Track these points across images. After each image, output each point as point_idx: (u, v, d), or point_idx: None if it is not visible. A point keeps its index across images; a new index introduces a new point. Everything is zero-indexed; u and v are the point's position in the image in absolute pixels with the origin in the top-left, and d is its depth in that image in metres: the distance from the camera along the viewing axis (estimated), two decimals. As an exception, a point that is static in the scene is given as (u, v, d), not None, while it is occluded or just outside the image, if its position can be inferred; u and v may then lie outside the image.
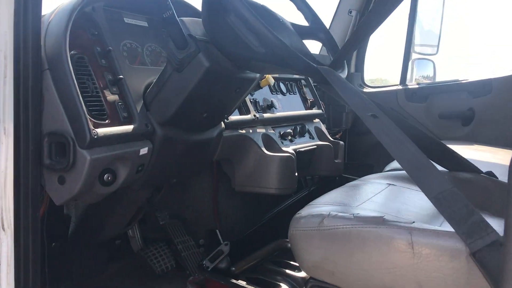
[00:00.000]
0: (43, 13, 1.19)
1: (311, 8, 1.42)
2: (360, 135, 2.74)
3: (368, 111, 0.98)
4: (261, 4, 1.22)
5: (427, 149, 1.23)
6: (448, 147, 1.24)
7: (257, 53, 1.08)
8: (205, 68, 1.13)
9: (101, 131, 1.06)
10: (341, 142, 2.04)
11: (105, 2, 1.27)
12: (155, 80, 1.22)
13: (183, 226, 1.76)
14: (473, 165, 1.25)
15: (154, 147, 1.22)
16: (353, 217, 0.89)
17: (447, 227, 0.81)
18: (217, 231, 1.78)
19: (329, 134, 2.32)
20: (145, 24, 1.43)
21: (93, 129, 1.04)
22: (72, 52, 1.10)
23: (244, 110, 1.64)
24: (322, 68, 1.09)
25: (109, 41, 1.22)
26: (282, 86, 1.95)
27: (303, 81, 2.12)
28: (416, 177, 0.85)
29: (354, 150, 2.71)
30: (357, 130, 2.72)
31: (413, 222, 0.86)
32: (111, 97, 1.15)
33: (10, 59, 1.00)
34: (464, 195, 0.80)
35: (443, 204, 0.80)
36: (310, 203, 1.07)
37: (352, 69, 2.82)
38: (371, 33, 1.16)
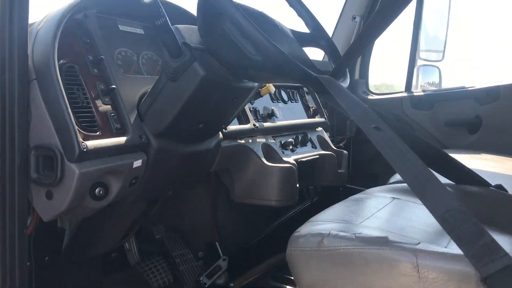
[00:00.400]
0: (33, 20, 1.16)
1: (312, 14, 1.37)
2: (364, 143, 2.68)
3: (371, 123, 0.93)
4: (259, 10, 1.17)
5: (432, 161, 1.18)
6: (454, 159, 1.19)
7: (254, 61, 1.03)
8: (200, 77, 1.08)
9: (92, 143, 1.01)
10: (345, 152, 1.98)
11: (98, 8, 1.23)
12: (149, 90, 1.18)
13: (181, 238, 1.71)
14: (481, 177, 1.19)
15: (148, 159, 1.17)
16: (354, 237, 0.84)
17: (455, 248, 0.75)
18: (216, 243, 1.73)
19: (332, 142, 2.26)
20: (141, 31, 1.39)
21: (83, 142, 0.99)
22: (62, 61, 1.06)
23: (243, 119, 1.59)
24: (322, 77, 1.04)
25: (102, 50, 1.17)
26: (283, 94, 1.90)
27: (305, 89, 2.08)
28: (421, 194, 0.80)
29: (359, 158, 2.66)
30: (362, 138, 2.67)
31: (419, 243, 0.80)
32: (103, 107, 1.11)
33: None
34: (472, 213, 0.74)
35: (450, 223, 0.74)
36: (310, 219, 1.02)
37: (356, 76, 2.77)
38: (374, 40, 1.11)
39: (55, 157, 0.98)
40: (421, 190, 0.81)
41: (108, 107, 1.12)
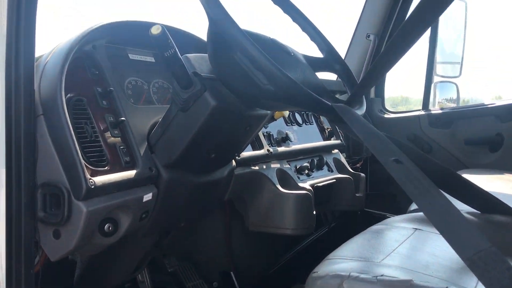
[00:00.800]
0: (42, 52, 1.14)
1: (325, 38, 1.33)
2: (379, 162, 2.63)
3: (390, 155, 0.88)
4: (270, 38, 1.14)
5: (453, 187, 1.13)
6: (476, 185, 1.13)
7: (266, 91, 1.00)
8: (211, 107, 1.05)
9: (100, 179, 0.98)
10: (362, 174, 1.93)
11: (108, 39, 1.21)
12: (160, 120, 1.15)
13: (195, 268, 1.67)
14: (507, 205, 1.13)
15: (159, 192, 1.13)
16: (376, 280, 0.78)
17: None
18: (231, 273, 1.68)
19: (349, 163, 2.21)
20: (151, 59, 1.36)
21: (90, 178, 0.96)
22: (69, 95, 1.03)
23: (257, 144, 1.55)
24: (337, 106, 0.99)
25: (111, 81, 1.15)
26: (297, 116, 1.86)
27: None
28: (447, 234, 0.74)
29: (376, 179, 2.59)
30: None
31: (446, 287, 0.75)
32: (112, 140, 1.08)
33: (1, 105, 0.94)
34: (502, 255, 0.69)
35: (480, 267, 0.69)
36: (328, 256, 0.96)
37: (372, 94, 2.72)
38: (393, 65, 1.05)
39: (62, 195, 0.95)
40: (446, 229, 0.76)
41: (118, 139, 1.09)
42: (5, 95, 0.93)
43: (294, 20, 1.33)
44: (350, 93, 1.23)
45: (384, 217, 2.21)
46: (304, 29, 1.33)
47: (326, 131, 2.00)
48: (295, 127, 1.82)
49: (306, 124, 1.89)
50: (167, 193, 1.15)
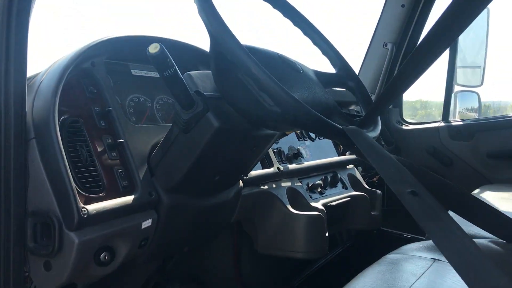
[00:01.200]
0: (38, 70, 1.09)
1: (339, 53, 1.26)
2: None
3: (406, 186, 0.79)
4: (278, 54, 1.07)
5: (477, 215, 1.04)
6: (503, 214, 1.04)
7: (272, 113, 0.92)
8: (214, 128, 0.98)
9: (94, 207, 0.92)
10: (378, 192, 1.84)
11: (108, 55, 1.15)
12: (161, 141, 1.08)
13: (202, 291, 1.59)
14: None
15: (159, 218, 1.07)
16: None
17: None
18: (240, 296, 1.60)
19: (365, 178, 2.13)
20: (155, 74, 1.30)
21: (83, 207, 0.89)
22: (64, 116, 0.98)
23: (266, 162, 1.47)
24: (348, 129, 0.92)
25: (110, 99, 1.09)
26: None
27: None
28: (466, 276, 0.66)
29: (393, 193, 2.50)
30: None
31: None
32: (110, 163, 1.02)
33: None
34: None
35: None
36: None
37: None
38: (410, 85, 0.96)
39: (52, 225, 0.89)
40: (466, 270, 0.67)
41: (116, 162, 1.03)
42: None
43: (305, 33, 1.25)
44: (365, 112, 1.15)
45: (401, 237, 2.11)
46: (315, 43, 1.26)
47: (341, 146, 1.92)
48: (308, 142, 1.74)
49: (320, 138, 1.81)
50: (168, 219, 1.08)
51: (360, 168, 2.23)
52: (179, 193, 1.09)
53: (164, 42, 1.29)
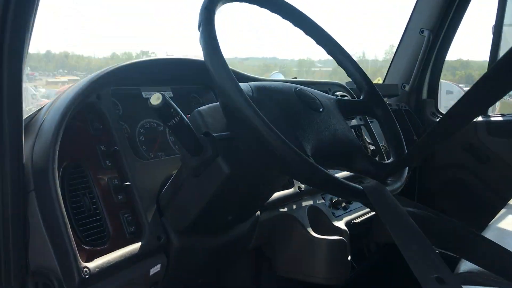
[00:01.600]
0: (43, 102, 1.02)
1: (366, 76, 1.15)
2: (433, 170, 2.41)
3: (430, 269, 0.70)
4: (296, 89, 0.98)
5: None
6: None
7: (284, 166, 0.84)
8: (225, 175, 0.91)
9: (97, 264, 0.86)
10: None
11: (116, 83, 1.07)
12: (170, 181, 1.02)
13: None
14: None
15: (169, 261, 1.01)
16: None
17: None
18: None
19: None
20: (169, 93, 1.23)
21: (85, 267, 0.84)
22: (66, 163, 0.92)
23: (287, 181, 1.39)
24: (369, 188, 0.83)
25: (117, 134, 1.02)
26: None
27: (362, 127, 1.84)
28: None
29: (425, 190, 2.39)
30: (431, 165, 2.39)
31: None
32: (116, 207, 0.96)
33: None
34: None
35: None
36: None
37: (424, 95, 2.48)
38: (453, 133, 0.83)
39: (52, 286, 0.84)
40: None
41: (122, 205, 0.97)
42: None
43: (330, 53, 1.15)
44: (392, 155, 1.05)
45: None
46: (340, 64, 1.15)
47: (369, 151, 1.81)
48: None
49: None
50: (179, 261, 1.03)
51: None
52: (190, 233, 1.04)
53: (174, 62, 1.21)
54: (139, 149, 1.10)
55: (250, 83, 0.92)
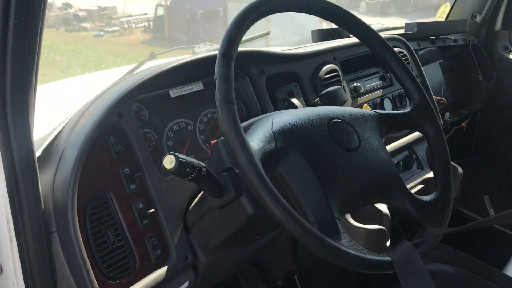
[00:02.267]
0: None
1: (418, 82, 1.01)
2: (493, 112, 2.22)
3: None
4: (330, 120, 0.87)
5: None
6: None
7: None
8: (248, 215, 0.86)
9: None
10: (459, 170, 1.63)
11: (140, 93, 1.00)
12: (195, 202, 0.98)
13: (257, 270, 1.59)
14: None
15: (197, 277, 1.02)
16: None
17: None
18: (295, 276, 1.59)
19: (451, 125, 1.89)
20: (199, 86, 1.14)
21: None
22: (88, 196, 0.89)
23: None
24: (398, 257, 0.77)
25: (141, 153, 0.97)
26: (386, 104, 1.54)
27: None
28: None
29: (485, 132, 2.22)
30: (492, 107, 2.20)
31: None
32: (141, 234, 0.95)
33: (12, 222, 0.84)
34: None
35: None
36: None
37: (498, 26, 2.19)
38: None
39: None
40: None
41: (148, 230, 0.96)
42: (10, 212, 0.82)
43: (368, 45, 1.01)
44: (436, 188, 0.95)
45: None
46: (384, 61, 1.01)
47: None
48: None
49: (398, 109, 1.57)
50: (207, 276, 1.04)
51: (448, 113, 1.97)
52: (218, 250, 1.02)
53: (202, 60, 1.11)
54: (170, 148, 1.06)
55: (274, 126, 0.83)
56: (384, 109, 1.53)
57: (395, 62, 0.99)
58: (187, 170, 0.76)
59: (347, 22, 0.97)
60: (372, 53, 1.01)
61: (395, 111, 1.01)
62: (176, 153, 0.74)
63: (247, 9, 0.81)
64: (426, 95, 1.00)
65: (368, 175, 0.88)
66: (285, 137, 0.82)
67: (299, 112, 0.88)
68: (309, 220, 0.78)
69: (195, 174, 0.78)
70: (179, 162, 0.74)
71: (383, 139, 0.96)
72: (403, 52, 1.60)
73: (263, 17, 0.85)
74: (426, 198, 0.94)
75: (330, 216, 0.78)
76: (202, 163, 0.79)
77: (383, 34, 1.71)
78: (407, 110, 1.01)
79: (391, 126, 0.99)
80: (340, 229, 0.77)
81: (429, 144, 1.00)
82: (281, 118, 0.85)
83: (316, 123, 0.86)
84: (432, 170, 1.00)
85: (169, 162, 0.74)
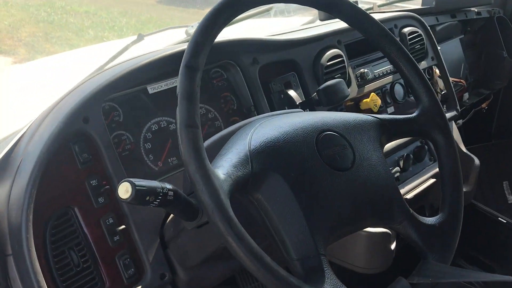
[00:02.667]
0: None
1: (428, 84, 0.87)
2: None
3: None
4: (321, 134, 0.75)
5: None
6: None
7: None
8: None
9: None
10: (476, 161, 1.49)
11: (110, 93, 0.88)
12: (170, 218, 0.88)
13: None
14: None
15: None
16: None
17: None
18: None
19: (471, 106, 1.75)
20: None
21: None
22: (48, 214, 0.80)
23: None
24: None
25: (110, 161, 0.86)
26: (397, 90, 1.40)
27: (436, 69, 1.51)
28: None
29: (507, 116, 2.06)
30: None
31: None
32: (111, 253, 0.85)
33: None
34: None
35: None
36: None
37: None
38: None
39: None
40: None
41: (118, 247, 0.86)
42: None
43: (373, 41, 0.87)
44: (442, 208, 0.83)
45: (495, 218, 1.75)
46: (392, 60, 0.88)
47: (439, 95, 1.52)
48: (391, 109, 1.39)
49: (409, 97, 1.43)
50: None
51: (467, 94, 1.82)
52: (199, 266, 0.93)
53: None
54: (144, 162, 0.95)
55: (252, 144, 0.71)
56: (395, 96, 1.39)
57: (401, 58, 0.86)
58: (148, 198, 0.65)
59: (343, 11, 0.83)
60: (374, 46, 0.88)
61: (398, 116, 0.88)
62: (133, 180, 0.63)
63: (218, 8, 0.68)
64: (437, 98, 0.87)
65: (362, 197, 0.76)
66: (264, 157, 0.70)
67: (283, 124, 0.76)
68: (291, 257, 0.67)
69: (158, 200, 0.67)
70: (135, 190, 0.63)
71: (383, 150, 0.83)
72: (417, 32, 1.44)
73: (239, 14, 0.72)
74: (431, 220, 0.82)
75: (315, 252, 0.67)
76: (168, 186, 0.69)
77: (395, 11, 1.55)
78: (413, 114, 0.88)
79: (394, 134, 0.86)
80: (325, 269, 0.66)
81: (438, 155, 0.88)
82: (262, 133, 0.73)
83: (303, 138, 0.74)
84: (441, 188, 0.88)
85: (124, 191, 0.64)
